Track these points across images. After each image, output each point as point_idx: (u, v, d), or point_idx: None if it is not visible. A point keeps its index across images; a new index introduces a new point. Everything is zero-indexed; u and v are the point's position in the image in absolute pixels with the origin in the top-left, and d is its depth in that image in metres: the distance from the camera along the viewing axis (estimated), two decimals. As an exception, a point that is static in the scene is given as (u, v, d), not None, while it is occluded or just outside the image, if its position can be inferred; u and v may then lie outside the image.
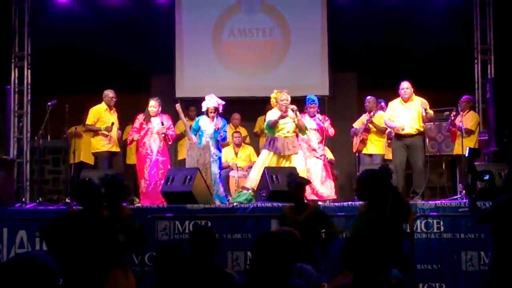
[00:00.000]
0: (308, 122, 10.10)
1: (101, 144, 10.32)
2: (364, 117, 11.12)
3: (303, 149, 10.01)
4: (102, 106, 10.40)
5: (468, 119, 10.55)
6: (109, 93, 10.42)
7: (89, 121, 10.40)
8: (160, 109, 10.25)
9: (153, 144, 10.13)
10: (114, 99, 10.42)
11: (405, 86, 9.90)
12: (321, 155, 10.19)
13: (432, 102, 11.83)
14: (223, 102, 10.09)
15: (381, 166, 6.23)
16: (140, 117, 10.25)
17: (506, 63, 11.66)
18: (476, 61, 11.79)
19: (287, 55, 13.20)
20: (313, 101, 10.25)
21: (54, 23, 12.52)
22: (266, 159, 9.76)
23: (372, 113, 10.87)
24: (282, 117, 9.73)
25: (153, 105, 10.18)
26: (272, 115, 9.84)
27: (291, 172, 7.45)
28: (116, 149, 10.48)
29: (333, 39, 13.12)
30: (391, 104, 10.10)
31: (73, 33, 12.87)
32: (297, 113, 9.76)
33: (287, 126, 9.78)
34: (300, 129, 9.80)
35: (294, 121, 9.78)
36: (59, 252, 5.44)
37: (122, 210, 6.38)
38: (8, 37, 11.66)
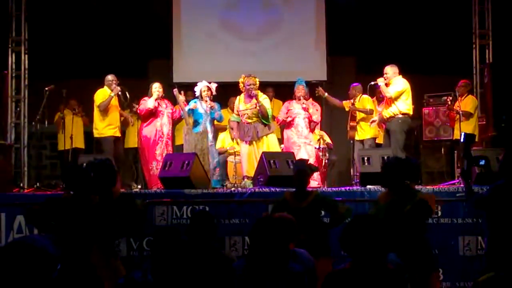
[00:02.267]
0: (295, 107, 10.26)
1: (106, 129, 10.31)
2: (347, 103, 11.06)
3: (295, 137, 10.07)
4: (105, 90, 10.38)
5: (466, 103, 10.53)
6: (108, 77, 10.41)
7: (98, 102, 10.36)
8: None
9: (164, 128, 10.22)
10: (115, 82, 10.39)
11: (385, 71, 9.93)
12: (310, 142, 10.26)
13: (430, 86, 11.87)
14: (216, 85, 10.21)
15: (407, 156, 6.29)
16: (147, 99, 10.26)
17: (504, 48, 11.64)
18: (474, 46, 11.77)
19: (285, 40, 13.16)
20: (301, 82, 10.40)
21: (51, 7, 12.47)
22: (241, 148, 10.13)
23: (352, 101, 10.86)
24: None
25: (158, 86, 10.29)
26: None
27: (300, 158, 7.46)
28: (118, 133, 10.49)
29: (331, 23, 13.09)
30: None
31: (70, 18, 12.83)
32: (258, 98, 9.86)
33: (247, 112, 9.98)
34: (262, 116, 9.89)
35: (256, 107, 9.91)
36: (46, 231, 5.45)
37: (114, 193, 6.33)
38: (5, 22, 11.62)
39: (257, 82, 10.01)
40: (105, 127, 10.31)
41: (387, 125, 9.93)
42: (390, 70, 9.90)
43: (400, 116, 9.78)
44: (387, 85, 9.85)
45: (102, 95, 10.31)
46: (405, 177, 5.79)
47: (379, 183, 8.38)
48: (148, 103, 10.17)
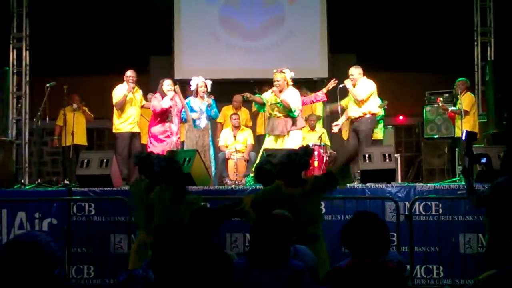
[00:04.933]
0: None
1: (122, 125, 10.31)
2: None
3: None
4: (124, 85, 10.35)
5: (463, 101, 10.50)
6: (127, 72, 10.40)
7: (114, 101, 10.34)
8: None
9: (173, 126, 10.16)
10: (131, 78, 10.33)
11: (350, 73, 10.01)
12: None
13: (431, 84, 11.84)
14: (210, 82, 10.18)
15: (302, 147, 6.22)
16: (159, 97, 10.18)
17: (506, 46, 11.63)
18: (476, 43, 11.75)
19: (286, 37, 13.16)
20: None
21: (52, 4, 12.48)
22: (266, 140, 9.92)
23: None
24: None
25: (170, 83, 10.21)
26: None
27: (268, 154, 7.31)
28: (136, 129, 10.46)
29: (332, 21, 13.08)
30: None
31: (71, 14, 12.84)
32: (277, 94, 9.70)
33: (275, 107, 9.84)
34: (285, 109, 9.73)
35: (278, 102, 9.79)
36: None
37: None
38: (6, 19, 11.62)
39: (285, 77, 9.76)
40: (121, 123, 10.32)
41: (354, 124, 9.94)
42: (356, 71, 10.02)
43: (369, 116, 9.92)
44: (353, 85, 9.92)
45: (118, 93, 10.32)
46: (298, 170, 5.71)
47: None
48: (164, 103, 10.05)
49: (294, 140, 9.68)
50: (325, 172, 7.14)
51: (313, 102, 10.82)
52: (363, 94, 9.84)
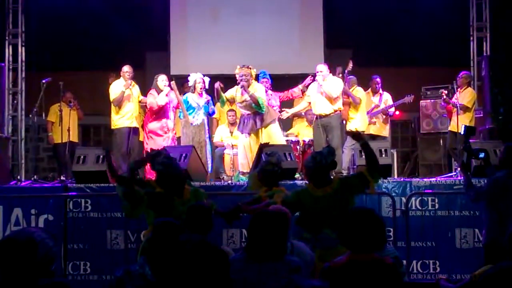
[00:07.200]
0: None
1: (121, 120, 10.23)
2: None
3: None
4: (121, 81, 10.27)
5: (465, 96, 10.44)
6: (124, 68, 10.32)
7: (111, 97, 10.25)
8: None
9: (169, 122, 10.15)
10: (128, 74, 10.25)
11: (318, 69, 10.03)
12: None
13: (427, 79, 11.83)
14: (208, 79, 10.16)
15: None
16: (154, 93, 10.13)
17: (502, 41, 11.63)
18: (471, 38, 11.75)
19: (282, 32, 13.14)
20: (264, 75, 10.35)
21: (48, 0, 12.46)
22: (239, 140, 9.93)
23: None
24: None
25: (165, 79, 10.17)
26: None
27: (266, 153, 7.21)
28: (135, 124, 10.36)
29: (329, 16, 13.08)
30: (311, 85, 10.19)
31: (67, 10, 12.80)
32: (246, 89, 9.59)
33: (244, 104, 9.73)
34: (254, 104, 9.59)
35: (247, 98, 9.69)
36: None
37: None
38: (1, 14, 11.59)
39: (252, 73, 9.70)
40: (120, 118, 10.22)
41: (323, 120, 9.94)
42: (324, 68, 10.10)
43: (338, 112, 10.01)
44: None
45: (115, 89, 10.23)
46: (325, 171, 5.60)
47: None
48: (159, 100, 10.02)
49: (272, 134, 9.64)
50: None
51: (290, 99, 10.87)
52: (336, 91, 9.91)
